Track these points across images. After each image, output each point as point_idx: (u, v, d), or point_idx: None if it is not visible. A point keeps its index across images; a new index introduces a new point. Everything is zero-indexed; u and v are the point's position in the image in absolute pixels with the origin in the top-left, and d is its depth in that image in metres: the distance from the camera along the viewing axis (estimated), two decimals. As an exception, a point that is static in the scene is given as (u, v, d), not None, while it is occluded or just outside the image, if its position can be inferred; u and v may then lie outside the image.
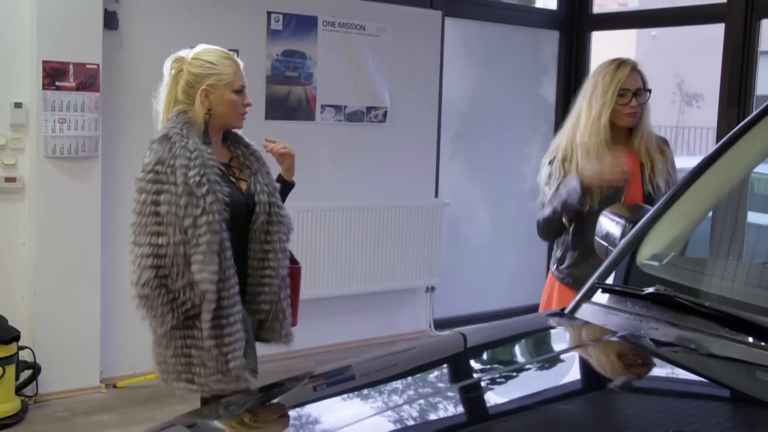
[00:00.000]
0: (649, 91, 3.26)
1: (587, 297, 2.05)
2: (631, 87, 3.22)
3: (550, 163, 3.27)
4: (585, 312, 2.01)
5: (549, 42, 6.90)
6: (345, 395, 2.04)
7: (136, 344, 4.60)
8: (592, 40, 6.89)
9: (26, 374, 4.57)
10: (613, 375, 1.85)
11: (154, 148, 2.81)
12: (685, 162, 10.27)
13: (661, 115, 14.88)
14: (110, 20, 4.74)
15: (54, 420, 4.47)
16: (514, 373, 1.88)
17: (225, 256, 2.80)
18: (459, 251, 6.59)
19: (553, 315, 2.21)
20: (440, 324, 6.35)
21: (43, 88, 4.53)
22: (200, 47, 2.95)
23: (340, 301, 5.86)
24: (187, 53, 2.93)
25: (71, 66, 4.58)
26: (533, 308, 4.15)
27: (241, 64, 2.95)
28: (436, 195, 6.26)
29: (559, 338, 2.08)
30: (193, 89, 2.88)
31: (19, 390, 4.50)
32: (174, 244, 2.74)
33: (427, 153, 6.21)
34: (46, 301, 4.65)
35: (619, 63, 3.25)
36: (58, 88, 4.57)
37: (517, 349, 2.08)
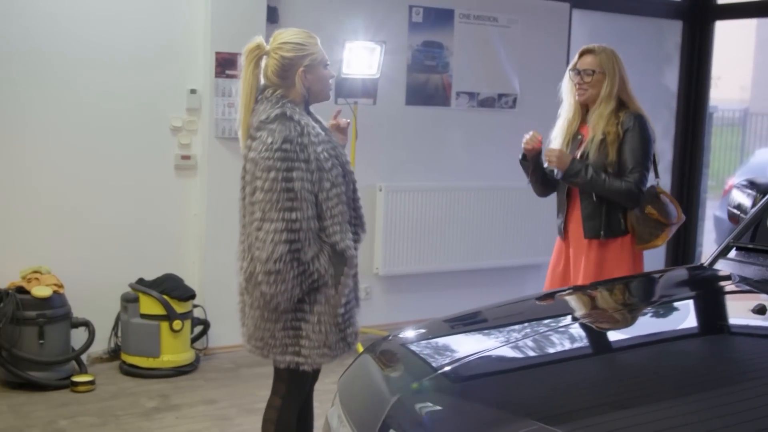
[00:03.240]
0: (600, 73, 3.77)
1: (723, 254, 2.43)
2: (579, 67, 3.85)
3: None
4: (722, 265, 2.40)
5: (672, 32, 7.15)
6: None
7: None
8: (716, 29, 7.09)
9: (198, 330, 5.18)
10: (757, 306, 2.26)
11: (274, 127, 2.86)
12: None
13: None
14: (272, 15, 5.28)
15: (223, 370, 5.06)
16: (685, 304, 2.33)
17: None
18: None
19: (696, 268, 2.60)
20: (563, 299, 6.71)
21: (215, 76, 5.11)
22: (281, 32, 3.00)
23: (469, 275, 6.28)
24: (261, 41, 2.98)
25: (239, 56, 5.10)
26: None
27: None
28: (561, 177, 6.61)
29: (708, 283, 2.49)
30: (289, 72, 2.95)
31: (192, 343, 5.10)
32: (307, 218, 2.84)
33: (553, 137, 6.57)
34: (214, 266, 5.23)
35: (580, 50, 3.90)
36: (228, 76, 5.14)
37: (674, 291, 2.50)
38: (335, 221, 2.93)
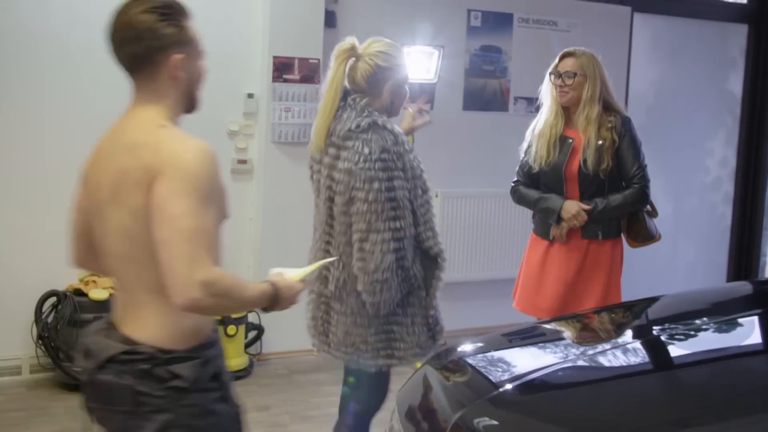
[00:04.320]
0: (581, 75, 3.76)
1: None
2: (560, 70, 3.84)
3: (529, 146, 4.03)
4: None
5: (737, 36, 6.97)
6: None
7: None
8: (782, 33, 6.91)
9: (252, 335, 5.17)
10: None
11: (369, 137, 2.87)
12: None
13: None
14: (330, 19, 5.26)
15: (276, 376, 5.05)
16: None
17: None
18: (640, 240, 6.78)
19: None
20: (621, 309, 6.58)
21: (273, 81, 5.10)
22: (377, 41, 3.03)
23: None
24: (355, 43, 3.00)
25: (296, 61, 5.12)
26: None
27: None
28: (621, 184, 6.48)
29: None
30: (379, 81, 2.98)
31: (246, 348, 5.09)
32: (408, 225, 2.89)
33: (613, 144, 6.44)
34: (269, 271, 5.20)
35: (561, 53, 3.90)
36: (285, 81, 5.12)
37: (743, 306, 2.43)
38: (428, 227, 2.98)
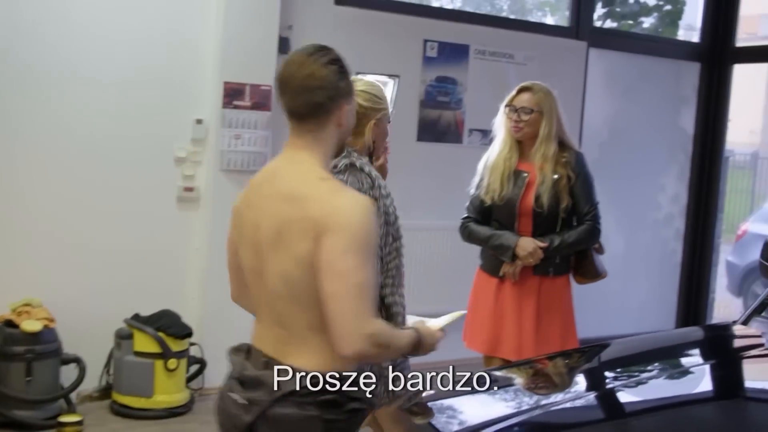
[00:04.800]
0: (538, 112, 3.75)
1: (758, 312, 2.30)
2: (516, 105, 3.81)
3: (481, 179, 3.98)
4: (757, 324, 2.26)
5: (690, 74, 7.01)
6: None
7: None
8: (734, 72, 6.96)
9: (194, 369, 4.98)
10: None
11: (345, 179, 2.81)
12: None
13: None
14: (283, 46, 5.13)
15: (219, 412, 4.86)
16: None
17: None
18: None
19: (728, 326, 2.45)
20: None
21: (223, 107, 4.96)
22: (358, 79, 2.97)
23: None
24: None
25: (248, 87, 4.99)
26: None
27: None
28: (574, 219, 6.44)
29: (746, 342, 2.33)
30: (361, 121, 2.88)
31: (187, 383, 4.90)
32: (376, 273, 2.78)
33: (567, 178, 6.40)
34: (215, 303, 5.04)
35: (518, 87, 3.86)
36: (235, 107, 4.99)
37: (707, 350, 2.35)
38: (389, 274, 2.87)
